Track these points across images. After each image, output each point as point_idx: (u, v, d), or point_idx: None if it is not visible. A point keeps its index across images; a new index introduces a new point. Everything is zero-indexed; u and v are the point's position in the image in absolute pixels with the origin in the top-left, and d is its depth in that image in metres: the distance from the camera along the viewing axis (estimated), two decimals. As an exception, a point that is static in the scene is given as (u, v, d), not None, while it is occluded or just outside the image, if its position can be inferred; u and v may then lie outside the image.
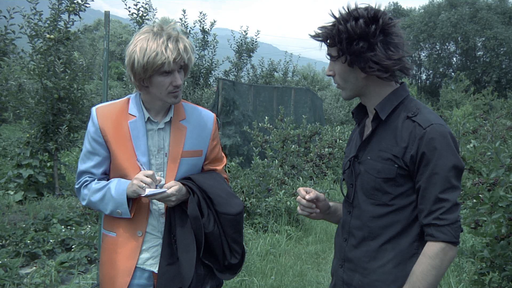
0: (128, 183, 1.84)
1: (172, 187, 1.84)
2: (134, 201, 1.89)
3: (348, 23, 1.48)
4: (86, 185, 1.93)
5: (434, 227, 1.47)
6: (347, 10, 1.52)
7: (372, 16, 1.48)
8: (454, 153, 1.49)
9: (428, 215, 1.49)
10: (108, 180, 1.94)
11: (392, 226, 1.56)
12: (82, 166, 1.94)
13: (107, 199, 1.86)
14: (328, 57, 1.59)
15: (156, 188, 1.83)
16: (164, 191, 1.81)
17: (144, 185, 1.79)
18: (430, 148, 1.47)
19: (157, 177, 1.85)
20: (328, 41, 1.55)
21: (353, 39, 1.48)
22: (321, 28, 1.56)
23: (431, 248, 1.47)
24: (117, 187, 1.85)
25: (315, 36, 1.57)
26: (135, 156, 1.88)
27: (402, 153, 1.51)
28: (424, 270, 1.47)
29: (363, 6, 1.52)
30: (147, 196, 1.80)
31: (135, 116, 1.90)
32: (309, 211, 1.72)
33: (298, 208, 1.74)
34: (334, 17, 1.53)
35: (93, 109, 1.93)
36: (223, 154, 2.15)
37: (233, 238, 1.97)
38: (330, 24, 1.54)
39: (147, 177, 1.80)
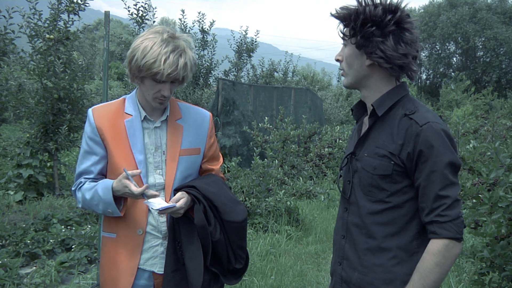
0: (113, 182, 1.83)
1: (181, 199, 1.85)
2: (125, 200, 1.89)
3: (367, 7, 1.52)
4: (80, 187, 1.94)
5: (437, 224, 1.47)
6: None
7: (391, 6, 1.52)
8: (451, 150, 1.49)
9: (429, 213, 1.49)
10: None
11: (390, 224, 1.56)
12: (79, 167, 1.95)
13: (97, 200, 1.87)
14: (342, 38, 1.62)
15: (163, 198, 1.87)
16: (174, 206, 1.82)
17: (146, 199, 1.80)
18: (427, 146, 1.48)
19: (151, 192, 1.82)
20: (345, 21, 1.58)
21: (367, 22, 1.51)
22: (343, 8, 1.59)
23: (435, 245, 1.47)
24: (102, 186, 1.86)
25: (335, 15, 1.60)
26: (132, 154, 1.88)
27: (399, 151, 1.52)
28: (427, 267, 1.47)
29: None
30: (159, 210, 1.81)
31: (131, 115, 1.92)
32: None
33: None
34: (357, 0, 1.56)
35: (89, 110, 1.94)
36: (219, 153, 2.16)
37: (238, 244, 1.98)
38: (352, 6, 1.57)
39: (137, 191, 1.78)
